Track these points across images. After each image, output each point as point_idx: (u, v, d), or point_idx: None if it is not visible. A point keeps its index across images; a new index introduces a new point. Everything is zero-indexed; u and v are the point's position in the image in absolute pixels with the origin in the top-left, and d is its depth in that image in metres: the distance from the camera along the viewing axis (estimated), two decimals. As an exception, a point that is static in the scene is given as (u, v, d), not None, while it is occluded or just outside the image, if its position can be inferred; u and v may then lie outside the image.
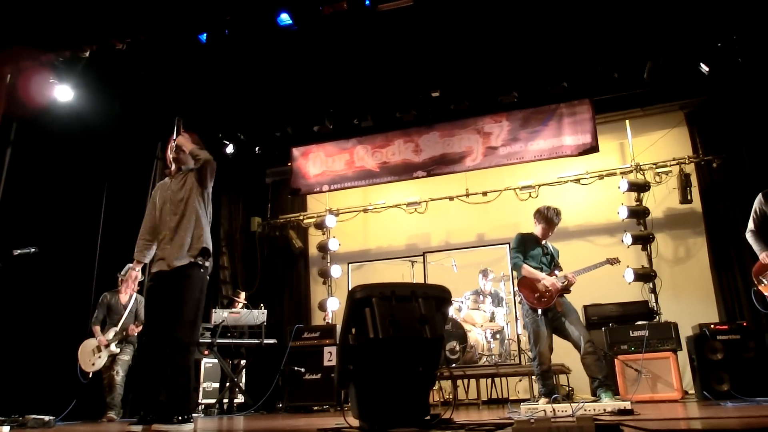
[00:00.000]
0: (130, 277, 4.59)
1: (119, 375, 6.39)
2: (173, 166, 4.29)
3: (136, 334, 6.45)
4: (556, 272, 5.52)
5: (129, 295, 6.67)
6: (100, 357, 6.38)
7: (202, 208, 4.16)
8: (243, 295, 8.56)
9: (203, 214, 4.16)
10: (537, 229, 5.70)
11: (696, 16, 6.56)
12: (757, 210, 5.20)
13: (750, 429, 2.56)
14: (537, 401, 5.29)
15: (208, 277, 4.12)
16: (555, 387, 5.54)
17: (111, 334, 6.46)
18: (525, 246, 5.66)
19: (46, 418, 5.30)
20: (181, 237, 4.02)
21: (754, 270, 5.28)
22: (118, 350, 6.46)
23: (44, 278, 6.86)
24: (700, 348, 5.87)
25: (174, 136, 4.27)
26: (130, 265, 4.39)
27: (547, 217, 5.63)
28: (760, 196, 5.24)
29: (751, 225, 5.24)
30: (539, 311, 5.39)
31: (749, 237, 5.28)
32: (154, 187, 4.46)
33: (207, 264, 4.06)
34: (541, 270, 5.53)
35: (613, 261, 5.82)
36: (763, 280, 5.15)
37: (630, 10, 6.48)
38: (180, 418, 3.68)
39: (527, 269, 5.54)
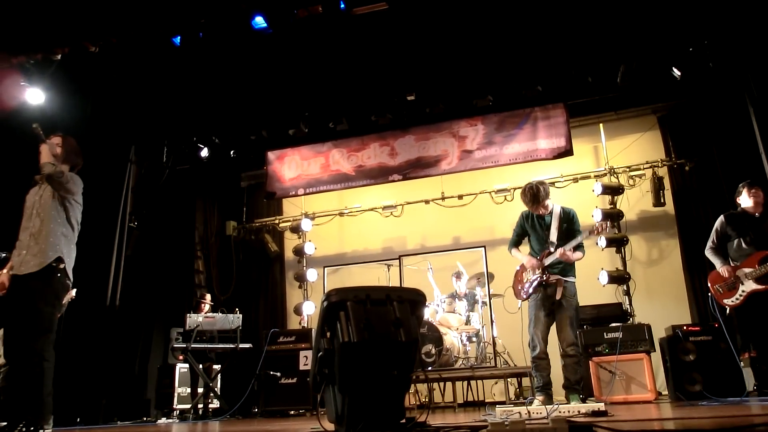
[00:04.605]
0: None
1: None
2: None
3: None
4: (551, 248, 5.29)
5: None
6: None
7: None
8: (209, 297, 8.42)
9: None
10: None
11: (668, 21, 6.66)
12: (718, 230, 5.57)
13: (722, 428, 2.59)
14: (531, 400, 5.17)
15: None
16: (548, 379, 5.25)
17: None
18: (522, 227, 5.53)
19: None
20: None
21: (710, 278, 5.62)
22: None
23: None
24: (673, 349, 5.91)
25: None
26: None
27: (530, 197, 5.37)
28: (722, 218, 5.58)
29: (711, 243, 5.61)
30: (533, 296, 5.30)
31: (709, 253, 5.64)
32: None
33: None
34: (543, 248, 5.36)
35: (595, 230, 5.30)
36: (719, 289, 5.49)
37: (603, 14, 6.56)
38: None
39: (515, 254, 5.56)
